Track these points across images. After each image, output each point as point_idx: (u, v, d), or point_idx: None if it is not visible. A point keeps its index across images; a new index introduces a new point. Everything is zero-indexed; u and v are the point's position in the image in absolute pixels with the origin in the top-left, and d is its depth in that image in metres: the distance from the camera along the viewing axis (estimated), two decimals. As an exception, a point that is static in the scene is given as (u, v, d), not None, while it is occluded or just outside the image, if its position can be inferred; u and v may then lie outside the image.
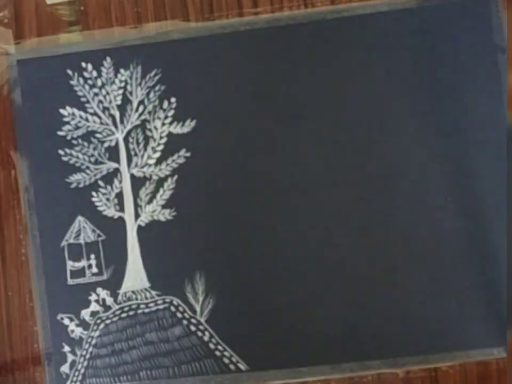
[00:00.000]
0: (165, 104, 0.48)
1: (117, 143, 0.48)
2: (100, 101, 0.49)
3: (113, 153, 0.48)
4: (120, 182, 0.48)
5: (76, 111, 0.49)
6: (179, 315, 0.47)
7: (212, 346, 0.47)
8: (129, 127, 0.48)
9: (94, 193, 0.48)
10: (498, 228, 0.46)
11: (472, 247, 0.46)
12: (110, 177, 0.48)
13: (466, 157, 0.46)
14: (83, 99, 0.49)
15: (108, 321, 0.48)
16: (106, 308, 0.48)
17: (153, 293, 0.48)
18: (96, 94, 0.49)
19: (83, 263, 0.48)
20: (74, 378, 0.48)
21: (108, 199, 0.48)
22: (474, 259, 0.46)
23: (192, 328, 0.47)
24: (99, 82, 0.49)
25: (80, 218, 0.48)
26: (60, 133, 0.49)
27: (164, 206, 0.48)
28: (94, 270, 0.48)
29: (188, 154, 0.48)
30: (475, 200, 0.46)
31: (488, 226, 0.46)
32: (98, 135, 0.49)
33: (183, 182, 0.48)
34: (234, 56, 0.48)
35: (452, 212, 0.46)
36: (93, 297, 0.48)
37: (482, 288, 0.46)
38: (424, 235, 0.46)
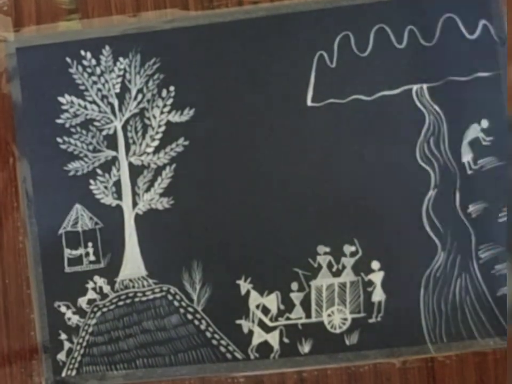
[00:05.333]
0: (164, 93, 0.48)
1: (115, 131, 0.48)
2: (99, 89, 0.48)
3: (111, 141, 0.48)
4: (118, 170, 0.48)
5: (74, 99, 0.49)
6: (176, 303, 0.47)
7: (208, 335, 0.47)
8: (127, 115, 0.48)
9: (92, 181, 0.48)
10: (499, 219, 0.46)
11: (469, 239, 0.46)
12: (108, 165, 0.48)
13: (466, 148, 0.46)
14: (82, 87, 0.49)
15: (105, 309, 0.48)
16: (103, 295, 0.48)
17: (151, 281, 0.48)
18: (95, 82, 0.49)
19: (80, 251, 0.48)
20: (71, 366, 0.48)
21: (105, 187, 0.48)
22: (471, 249, 0.46)
23: (189, 316, 0.47)
24: (98, 71, 0.48)
25: (78, 206, 0.48)
26: (58, 121, 0.49)
27: (161, 195, 0.48)
28: (92, 258, 0.48)
29: (186, 143, 0.48)
30: (477, 192, 0.46)
31: (488, 218, 0.46)
32: (96, 123, 0.49)
33: (181, 170, 0.48)
34: (234, 45, 0.48)
35: (455, 204, 0.46)
36: (90, 285, 0.48)
37: (481, 279, 0.46)
38: (423, 227, 0.46)
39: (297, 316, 0.47)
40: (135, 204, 0.48)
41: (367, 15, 0.47)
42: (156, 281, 0.48)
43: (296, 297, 0.47)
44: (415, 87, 0.46)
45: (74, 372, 0.48)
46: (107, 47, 0.48)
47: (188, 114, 0.48)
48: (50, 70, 0.49)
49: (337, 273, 0.47)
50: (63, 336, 0.48)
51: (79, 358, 0.48)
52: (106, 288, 0.48)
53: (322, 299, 0.47)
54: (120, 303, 0.48)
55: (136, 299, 0.48)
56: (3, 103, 0.49)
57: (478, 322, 0.46)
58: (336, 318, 0.46)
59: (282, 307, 0.47)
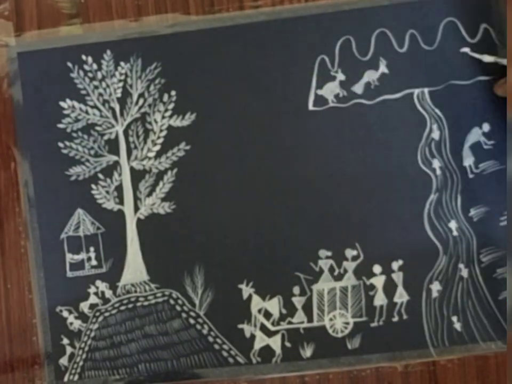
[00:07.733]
0: (165, 97, 0.48)
1: (116, 136, 0.48)
2: (100, 94, 0.49)
3: (113, 146, 0.48)
4: (120, 174, 0.48)
5: (76, 103, 0.49)
6: (178, 308, 0.47)
7: (210, 339, 0.47)
8: (129, 120, 0.48)
9: (93, 186, 0.48)
10: (501, 222, 0.46)
11: (471, 243, 0.46)
12: (109, 170, 0.48)
13: (467, 151, 0.46)
14: (83, 92, 0.49)
15: (107, 314, 0.48)
16: (105, 300, 0.48)
17: (153, 285, 0.48)
18: (96, 87, 0.49)
19: (82, 255, 0.48)
20: (73, 371, 0.48)
21: (107, 192, 0.48)
22: (473, 253, 0.46)
23: (191, 321, 0.47)
24: (99, 75, 0.49)
25: (79, 211, 0.48)
26: (59, 126, 0.49)
27: (163, 199, 0.48)
28: (93, 262, 0.48)
29: (188, 147, 0.48)
30: (478, 196, 0.46)
31: (489, 222, 0.46)
32: (98, 128, 0.49)
33: (183, 175, 0.48)
34: (235, 50, 0.48)
35: (457, 208, 0.46)
36: (92, 289, 0.48)
37: (482, 283, 0.46)
38: (425, 231, 0.46)
39: (299, 320, 0.47)
40: (136, 209, 0.48)
41: (368, 19, 0.47)
42: (158, 285, 0.48)
43: (298, 301, 0.47)
44: (416, 91, 0.46)
45: (76, 377, 0.48)
46: (108, 52, 0.48)
47: (189, 118, 0.48)
48: (52, 74, 0.49)
49: (338, 277, 0.47)
50: (65, 341, 0.48)
51: (81, 363, 0.48)
52: (108, 293, 0.48)
53: (324, 303, 0.47)
54: (122, 307, 0.48)
55: (138, 304, 0.48)
56: (4, 108, 0.49)
57: (479, 325, 0.46)
58: (338, 322, 0.46)
59: (284, 311, 0.47)
